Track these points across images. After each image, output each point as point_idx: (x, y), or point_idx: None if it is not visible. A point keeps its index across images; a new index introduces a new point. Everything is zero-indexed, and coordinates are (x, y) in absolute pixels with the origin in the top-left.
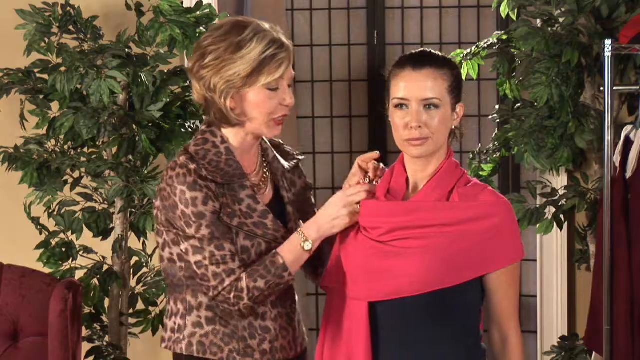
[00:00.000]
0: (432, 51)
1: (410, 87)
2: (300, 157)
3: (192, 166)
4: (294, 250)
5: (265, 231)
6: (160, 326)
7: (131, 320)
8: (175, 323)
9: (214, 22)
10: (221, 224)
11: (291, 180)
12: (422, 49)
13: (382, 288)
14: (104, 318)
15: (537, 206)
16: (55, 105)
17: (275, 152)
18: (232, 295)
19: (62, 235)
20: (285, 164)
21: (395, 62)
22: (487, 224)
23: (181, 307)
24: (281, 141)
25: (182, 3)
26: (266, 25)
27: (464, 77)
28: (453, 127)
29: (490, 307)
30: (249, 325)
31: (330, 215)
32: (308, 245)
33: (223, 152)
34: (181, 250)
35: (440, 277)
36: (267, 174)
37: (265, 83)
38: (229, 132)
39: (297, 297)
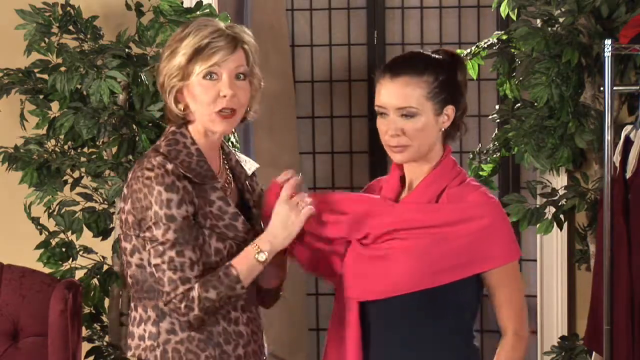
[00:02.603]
0: (419, 53)
1: (387, 96)
2: (256, 165)
3: (170, 166)
4: (248, 262)
5: (236, 233)
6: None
7: None
8: (145, 330)
9: None
10: (189, 231)
11: (251, 186)
12: (411, 50)
13: (371, 287)
14: (104, 318)
15: (537, 206)
16: (55, 105)
17: (236, 157)
18: (182, 304)
19: (62, 235)
20: (247, 170)
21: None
22: (475, 225)
23: (152, 313)
24: (236, 151)
25: (182, 3)
26: (220, 24)
27: None
28: (442, 129)
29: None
30: (224, 330)
31: (281, 223)
32: (262, 257)
33: (194, 153)
34: (145, 251)
35: (425, 278)
36: (230, 177)
37: (200, 71)
38: (195, 133)
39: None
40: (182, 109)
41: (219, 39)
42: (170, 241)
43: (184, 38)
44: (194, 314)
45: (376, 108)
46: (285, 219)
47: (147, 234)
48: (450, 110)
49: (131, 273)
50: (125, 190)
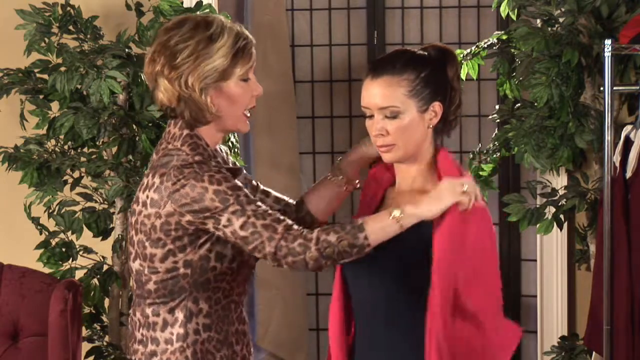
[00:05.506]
0: (402, 51)
1: (369, 97)
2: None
3: (212, 162)
4: (381, 217)
5: None
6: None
7: None
8: (172, 333)
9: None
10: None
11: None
12: (396, 49)
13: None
14: (104, 318)
15: (537, 206)
16: (55, 105)
17: (223, 155)
18: (296, 243)
19: (62, 235)
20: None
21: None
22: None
23: (180, 314)
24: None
25: (182, 3)
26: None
27: (463, 77)
28: (431, 126)
29: None
30: (236, 330)
31: (432, 196)
32: (396, 212)
33: (212, 155)
34: (223, 227)
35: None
36: None
37: (240, 74)
38: (206, 135)
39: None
40: (215, 110)
41: (248, 39)
42: (245, 199)
43: (215, 39)
44: (311, 253)
45: (362, 109)
46: (440, 193)
47: (220, 210)
48: (437, 106)
49: (157, 279)
50: (153, 196)
